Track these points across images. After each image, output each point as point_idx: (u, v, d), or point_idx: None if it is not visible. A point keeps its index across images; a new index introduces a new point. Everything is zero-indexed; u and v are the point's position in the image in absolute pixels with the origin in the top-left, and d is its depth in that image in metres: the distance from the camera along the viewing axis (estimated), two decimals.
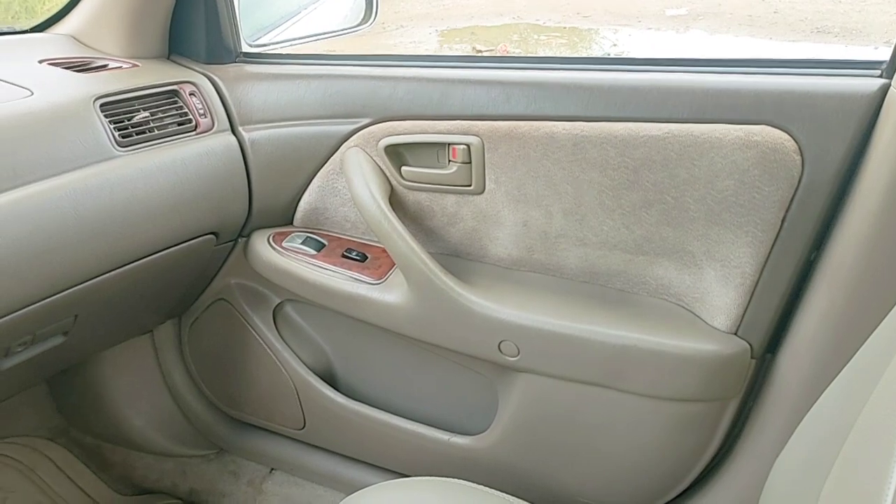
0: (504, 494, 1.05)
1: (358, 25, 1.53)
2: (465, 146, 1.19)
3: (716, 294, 1.12)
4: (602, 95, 1.10)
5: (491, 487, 1.06)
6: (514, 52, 7.88)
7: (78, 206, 1.11)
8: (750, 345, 1.11)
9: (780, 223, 1.04)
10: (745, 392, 1.15)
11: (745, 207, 1.05)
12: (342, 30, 1.57)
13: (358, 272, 1.31)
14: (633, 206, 1.13)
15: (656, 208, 1.11)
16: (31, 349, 1.20)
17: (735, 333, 1.12)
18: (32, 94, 1.15)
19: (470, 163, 1.20)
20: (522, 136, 1.15)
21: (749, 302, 1.10)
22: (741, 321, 1.11)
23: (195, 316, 1.58)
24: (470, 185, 1.22)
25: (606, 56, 5.58)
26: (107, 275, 1.18)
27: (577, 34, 8.46)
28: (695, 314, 1.16)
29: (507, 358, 1.21)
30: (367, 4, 1.57)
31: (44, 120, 1.12)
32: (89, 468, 1.69)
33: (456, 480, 1.06)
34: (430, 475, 1.13)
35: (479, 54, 8.01)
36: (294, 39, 1.51)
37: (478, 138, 1.18)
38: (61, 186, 1.10)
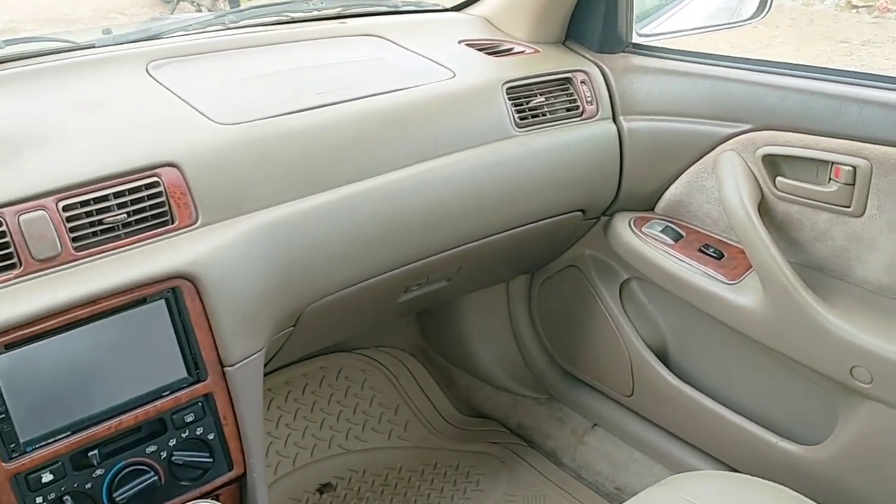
0: None
1: (749, 19, 1.53)
2: (850, 168, 1.18)
3: None
4: None
5: (815, 502, 1.09)
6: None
7: (477, 178, 1.30)
8: None
9: None
10: None
11: None
12: (732, 23, 1.58)
13: (713, 269, 1.36)
14: None
15: None
16: (422, 289, 1.45)
17: None
18: (454, 76, 1.35)
19: (853, 185, 1.18)
20: None
21: None
22: None
23: (547, 275, 1.75)
24: (849, 207, 1.20)
25: None
26: (488, 238, 1.37)
27: None
28: None
29: (858, 383, 1.20)
30: None
31: (461, 100, 1.32)
32: (438, 385, 1.99)
33: (786, 489, 1.10)
34: (752, 473, 1.17)
35: (855, 9, 7.23)
36: (681, 31, 1.56)
37: (867, 162, 1.16)
38: (466, 160, 1.29)
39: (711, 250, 1.39)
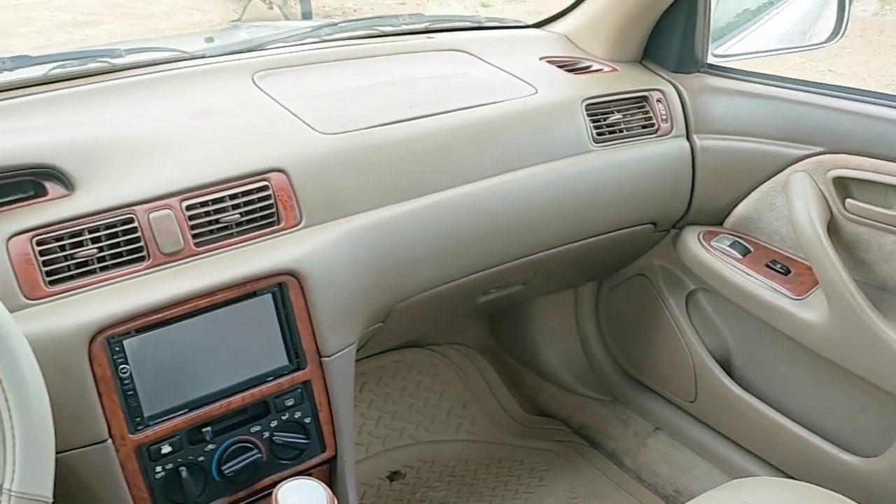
0: None
1: (823, 42, 1.57)
2: None
3: None
4: None
5: None
6: None
7: (557, 190, 1.38)
8: None
9: None
10: None
11: None
12: (805, 46, 1.62)
13: (780, 284, 1.42)
14: None
15: None
16: (499, 291, 1.54)
17: None
18: (536, 92, 1.43)
19: None
20: None
21: None
22: None
23: (615, 283, 1.82)
24: None
25: None
26: (563, 246, 1.45)
27: None
28: None
29: None
30: (837, 18, 1.58)
31: (543, 116, 1.40)
32: (505, 383, 2.07)
33: (843, 498, 1.15)
34: (809, 481, 1.22)
35: None
36: (755, 52, 1.61)
37: None
38: (547, 172, 1.37)
39: (779, 266, 1.44)
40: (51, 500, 0.78)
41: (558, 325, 1.95)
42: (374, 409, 1.94)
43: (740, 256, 1.49)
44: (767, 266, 1.45)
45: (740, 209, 1.51)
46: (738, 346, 1.63)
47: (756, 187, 1.47)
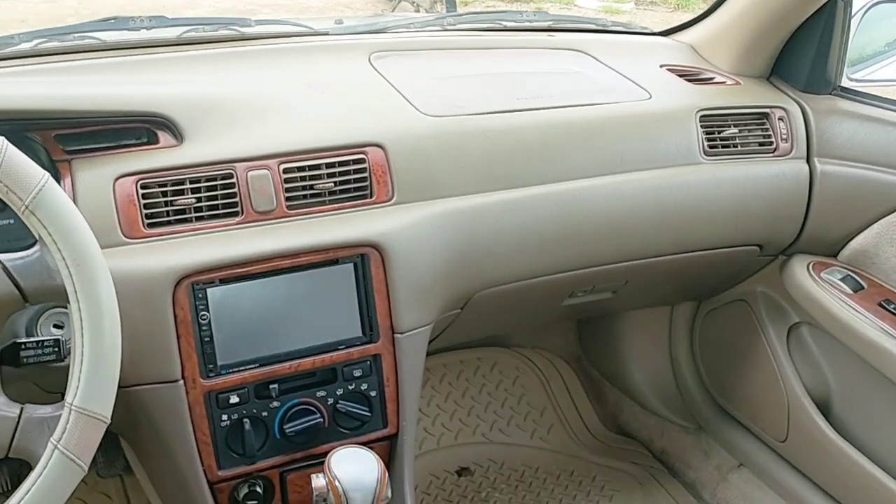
0: None
1: None
2: None
3: None
4: None
5: None
6: None
7: (658, 198, 1.33)
8: None
9: None
10: None
11: None
12: None
13: (891, 325, 1.32)
14: None
15: None
16: (586, 296, 1.50)
17: None
18: (650, 97, 1.39)
19: None
20: None
21: None
22: None
23: (713, 306, 1.74)
24: None
25: None
26: (660, 257, 1.40)
27: None
28: None
29: None
30: None
31: (654, 122, 1.36)
32: (587, 396, 2.02)
33: None
34: None
35: None
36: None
37: None
38: (650, 179, 1.33)
39: (893, 306, 1.34)
40: (108, 421, 0.82)
41: (649, 343, 1.88)
42: (450, 403, 1.93)
43: (851, 292, 1.39)
44: (880, 305, 1.35)
45: (857, 242, 1.41)
46: (839, 389, 1.52)
47: (877, 220, 1.37)
